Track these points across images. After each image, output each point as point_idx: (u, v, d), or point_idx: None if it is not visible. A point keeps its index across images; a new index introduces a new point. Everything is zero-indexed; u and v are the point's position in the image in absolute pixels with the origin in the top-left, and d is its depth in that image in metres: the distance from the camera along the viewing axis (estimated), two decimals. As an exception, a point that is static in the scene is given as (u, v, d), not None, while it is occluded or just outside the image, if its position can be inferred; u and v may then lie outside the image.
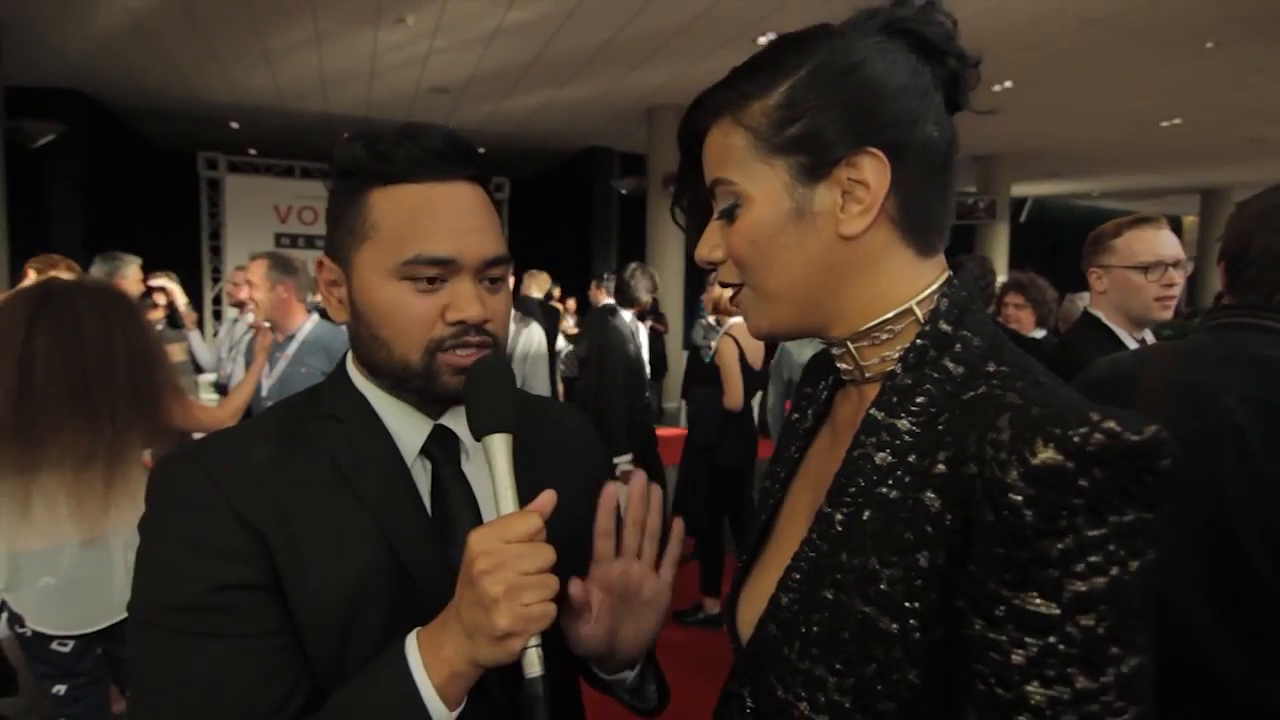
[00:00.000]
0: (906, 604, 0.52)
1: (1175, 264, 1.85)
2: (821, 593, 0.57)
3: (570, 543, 0.75)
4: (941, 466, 0.52)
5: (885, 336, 0.61)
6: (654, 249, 9.59)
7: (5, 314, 1.63)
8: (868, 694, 0.53)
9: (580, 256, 12.02)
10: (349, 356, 0.78)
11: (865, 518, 0.56)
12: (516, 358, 3.51)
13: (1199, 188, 14.86)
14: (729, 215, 0.62)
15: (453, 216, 0.70)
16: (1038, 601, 0.46)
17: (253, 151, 11.34)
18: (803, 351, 3.08)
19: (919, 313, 0.60)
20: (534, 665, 0.60)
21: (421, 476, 0.75)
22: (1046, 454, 0.45)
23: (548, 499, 0.63)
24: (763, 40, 7.67)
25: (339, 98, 9.21)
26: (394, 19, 6.73)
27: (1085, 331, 1.99)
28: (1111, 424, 0.45)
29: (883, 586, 0.53)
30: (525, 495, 0.72)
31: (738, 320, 3.37)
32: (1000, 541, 0.47)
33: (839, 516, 0.58)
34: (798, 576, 0.60)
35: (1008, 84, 7.86)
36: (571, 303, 9.13)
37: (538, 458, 0.79)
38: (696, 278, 12.32)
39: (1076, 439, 0.45)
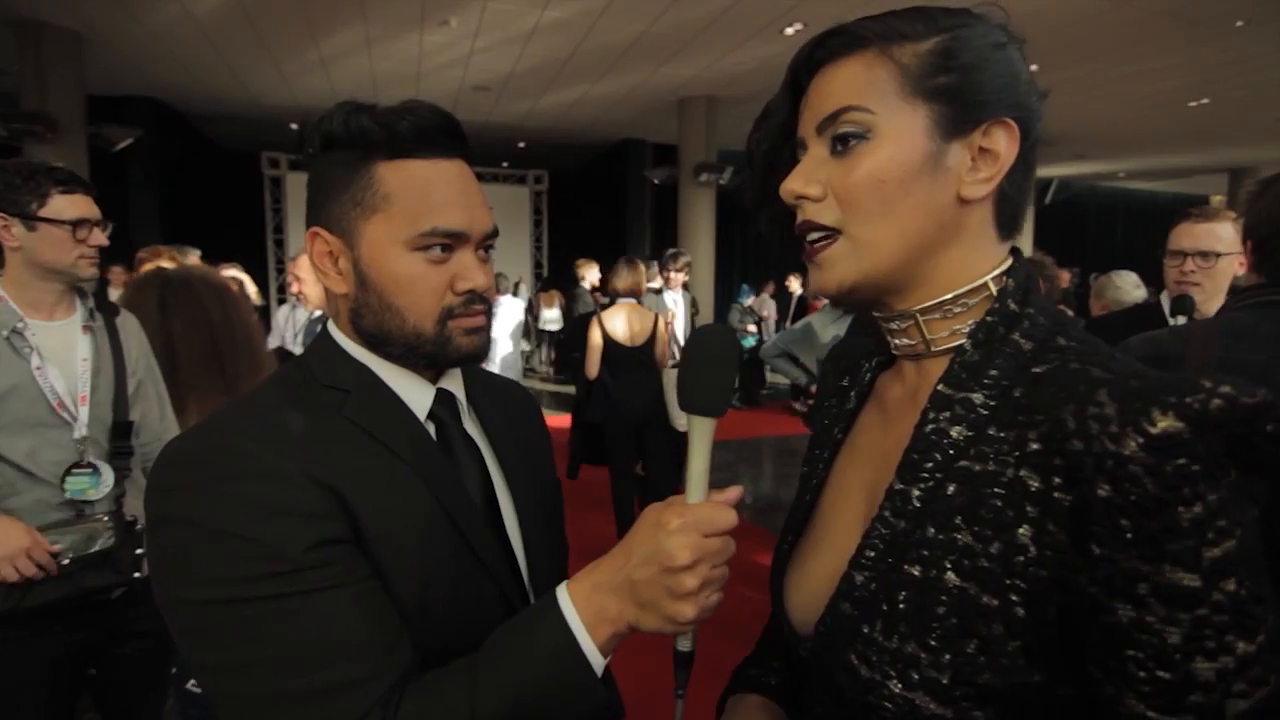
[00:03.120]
0: (1008, 580, 0.49)
1: (1195, 254, 1.96)
2: (904, 568, 0.54)
3: (546, 496, 0.85)
4: (1035, 445, 0.50)
5: (959, 310, 0.58)
6: (685, 235, 9.52)
7: (137, 306, 1.77)
8: (968, 668, 0.50)
9: (615, 243, 12.00)
10: (332, 329, 0.75)
11: (950, 492, 0.54)
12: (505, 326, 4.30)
13: (1226, 167, 14.14)
14: (843, 145, 0.56)
15: (460, 192, 0.71)
16: (1179, 574, 0.43)
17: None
18: (826, 331, 3.04)
19: (993, 289, 0.58)
20: (686, 642, 0.64)
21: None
22: (1166, 422, 0.43)
23: (736, 494, 0.62)
24: (790, 31, 7.43)
25: (389, 98, 9.18)
26: (438, 21, 6.75)
27: (1137, 309, 2.15)
28: (1228, 389, 0.43)
29: (982, 562, 0.50)
30: (505, 452, 0.80)
31: (625, 304, 3.98)
32: (1123, 514, 0.44)
33: (916, 491, 0.55)
34: (872, 554, 0.57)
35: (1034, 67, 7.53)
36: None
37: (515, 425, 0.83)
38: (726, 262, 12.23)
39: (1196, 405, 0.43)
